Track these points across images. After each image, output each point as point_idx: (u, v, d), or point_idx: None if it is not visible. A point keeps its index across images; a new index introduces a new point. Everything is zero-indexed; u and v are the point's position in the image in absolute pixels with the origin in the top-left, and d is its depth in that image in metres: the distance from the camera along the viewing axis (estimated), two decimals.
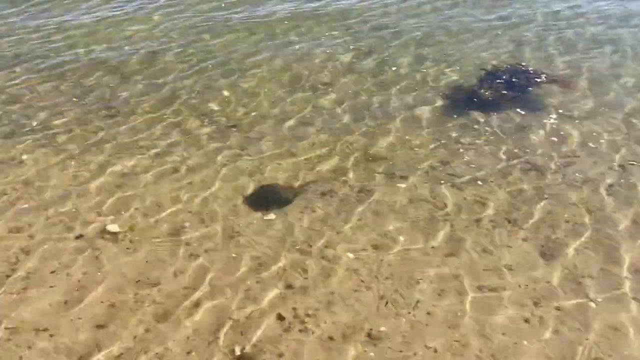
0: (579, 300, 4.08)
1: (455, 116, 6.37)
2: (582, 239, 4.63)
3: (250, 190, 5.30)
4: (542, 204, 5.03)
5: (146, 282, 4.30)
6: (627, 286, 4.18)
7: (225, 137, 6.15)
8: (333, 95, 6.91)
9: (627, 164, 5.52)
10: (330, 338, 3.88)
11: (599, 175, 5.36)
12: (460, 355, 3.72)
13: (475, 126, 6.21)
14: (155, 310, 4.06)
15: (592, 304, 4.04)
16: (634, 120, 6.17)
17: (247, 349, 3.81)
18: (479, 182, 5.34)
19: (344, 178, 5.47)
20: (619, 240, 4.60)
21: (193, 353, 3.78)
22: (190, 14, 9.37)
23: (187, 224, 4.88)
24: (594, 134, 5.97)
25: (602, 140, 5.87)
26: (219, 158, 5.79)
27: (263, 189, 5.31)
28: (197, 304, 4.12)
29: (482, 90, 6.60)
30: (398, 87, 7.03)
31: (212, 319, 4.03)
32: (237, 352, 3.78)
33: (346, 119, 6.45)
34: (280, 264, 4.49)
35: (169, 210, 5.06)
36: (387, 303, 4.10)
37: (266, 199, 5.16)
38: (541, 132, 6.05)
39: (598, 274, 4.29)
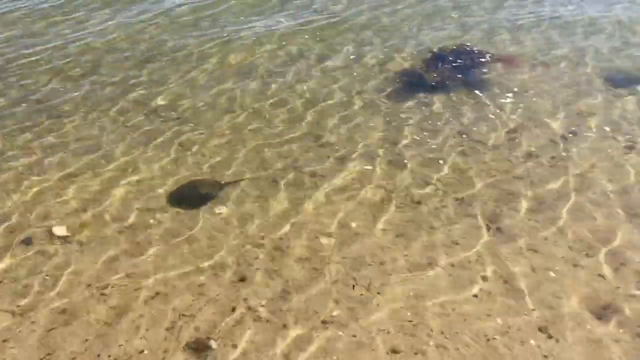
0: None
1: (403, 99, 6.43)
2: (523, 212, 4.75)
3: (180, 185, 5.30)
4: (488, 180, 5.13)
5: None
6: (570, 255, 4.33)
7: (169, 130, 6.08)
8: (280, 84, 6.88)
9: (567, 134, 5.67)
10: (284, 326, 3.90)
11: (541, 147, 5.50)
12: (412, 335, 3.79)
13: (423, 107, 6.28)
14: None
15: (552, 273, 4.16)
16: (570, 93, 6.33)
17: (201, 341, 3.80)
18: (427, 162, 5.41)
19: (295, 164, 5.48)
20: (561, 213, 4.74)
21: (145, 352, 3.76)
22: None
23: (134, 222, 4.85)
24: (537, 108, 6.11)
25: (545, 114, 6.01)
26: (163, 153, 5.74)
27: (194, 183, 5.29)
28: (151, 298, 4.11)
29: (429, 72, 6.68)
30: (346, 72, 7.05)
31: (165, 315, 4.00)
32: (191, 345, 3.78)
33: (294, 105, 6.45)
34: (232, 257, 4.48)
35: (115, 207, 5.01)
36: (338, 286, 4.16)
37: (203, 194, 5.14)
38: (487, 109, 6.16)
39: (540, 244, 4.42)
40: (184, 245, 4.61)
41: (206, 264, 4.43)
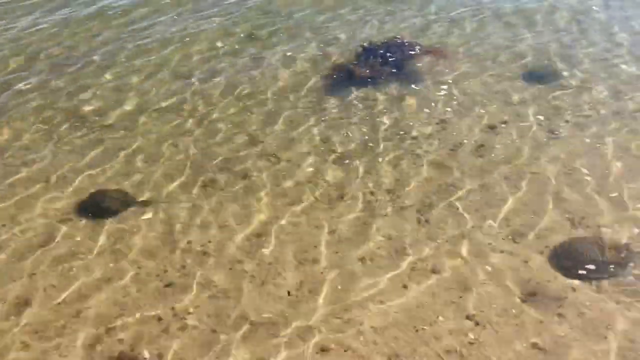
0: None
1: (335, 94, 6.40)
2: (455, 200, 4.80)
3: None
4: (421, 170, 5.16)
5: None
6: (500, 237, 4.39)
7: (96, 138, 5.87)
8: (211, 84, 6.75)
9: (497, 124, 5.76)
10: (213, 331, 3.80)
11: (470, 137, 5.57)
12: (341, 333, 3.76)
13: (355, 102, 6.26)
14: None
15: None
16: (500, 84, 6.44)
17: (126, 353, 3.66)
18: (359, 156, 5.40)
19: (228, 166, 5.37)
20: (494, 202, 4.81)
21: None
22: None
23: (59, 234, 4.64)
24: (466, 98, 6.19)
25: (474, 104, 6.09)
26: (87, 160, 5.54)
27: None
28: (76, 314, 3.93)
29: (360, 67, 6.67)
30: (277, 69, 6.97)
31: (90, 328, 3.83)
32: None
33: (224, 104, 6.33)
34: (159, 263, 4.34)
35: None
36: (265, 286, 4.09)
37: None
38: (417, 101, 6.20)
39: (469, 233, 4.47)
40: (105, 254, 4.45)
41: (131, 272, 4.28)
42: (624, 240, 4.23)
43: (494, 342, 3.60)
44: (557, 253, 4.18)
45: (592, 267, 4.03)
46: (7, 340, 3.79)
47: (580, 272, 4.01)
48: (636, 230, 4.34)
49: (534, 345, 3.57)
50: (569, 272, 4.03)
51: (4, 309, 4.01)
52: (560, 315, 3.74)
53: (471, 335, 3.66)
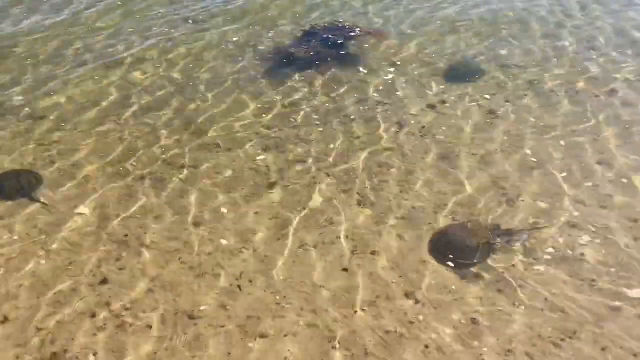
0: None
1: (276, 79, 6.30)
2: (393, 184, 4.81)
3: None
4: (362, 154, 5.14)
5: None
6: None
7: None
8: (151, 71, 6.54)
9: (437, 103, 5.80)
10: (149, 327, 3.69)
11: (411, 117, 5.59)
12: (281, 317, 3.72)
13: (296, 85, 6.19)
14: None
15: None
16: (439, 64, 6.48)
17: (59, 354, 3.52)
18: (300, 141, 5.34)
19: (164, 157, 5.21)
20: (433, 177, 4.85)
21: None
22: None
23: None
24: (406, 79, 6.20)
25: (414, 84, 6.11)
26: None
27: None
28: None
29: (301, 50, 6.61)
30: (215, 54, 6.81)
31: (18, 331, 3.66)
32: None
33: (164, 94, 6.14)
34: (93, 260, 4.19)
35: None
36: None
37: None
38: (356, 83, 6.17)
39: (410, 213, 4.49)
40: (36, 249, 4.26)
41: (66, 267, 4.12)
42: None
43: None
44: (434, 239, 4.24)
45: (460, 253, 4.07)
46: None
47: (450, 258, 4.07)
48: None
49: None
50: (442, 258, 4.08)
51: None
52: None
53: None
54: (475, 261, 4.00)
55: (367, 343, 3.51)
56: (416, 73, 6.32)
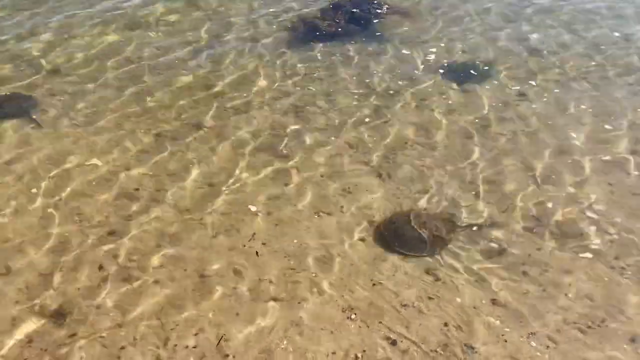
0: None
1: (301, 49, 6.12)
2: (414, 157, 4.65)
3: None
4: (388, 128, 4.97)
5: None
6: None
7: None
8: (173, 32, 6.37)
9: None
10: (156, 282, 3.54)
11: (434, 95, 5.42)
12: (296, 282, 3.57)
13: (318, 56, 6.01)
14: None
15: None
16: (458, 44, 6.30)
17: (63, 306, 3.37)
18: (321, 112, 5.17)
19: (182, 116, 5.06)
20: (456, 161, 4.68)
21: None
22: None
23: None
24: (432, 57, 6.02)
25: (442, 63, 5.94)
26: None
27: None
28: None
29: (326, 23, 6.41)
30: (237, 25, 6.60)
31: (24, 283, 3.51)
32: (52, 310, 3.34)
33: (185, 53, 5.97)
34: (103, 210, 4.04)
35: None
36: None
37: None
38: (380, 57, 5.99)
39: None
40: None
41: (75, 218, 3.97)
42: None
43: None
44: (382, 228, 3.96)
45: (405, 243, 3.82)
46: None
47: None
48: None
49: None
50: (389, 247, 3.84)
51: None
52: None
53: None
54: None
55: None
56: (442, 52, 6.13)
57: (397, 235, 3.83)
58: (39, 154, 4.54)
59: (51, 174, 4.34)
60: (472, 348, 3.20)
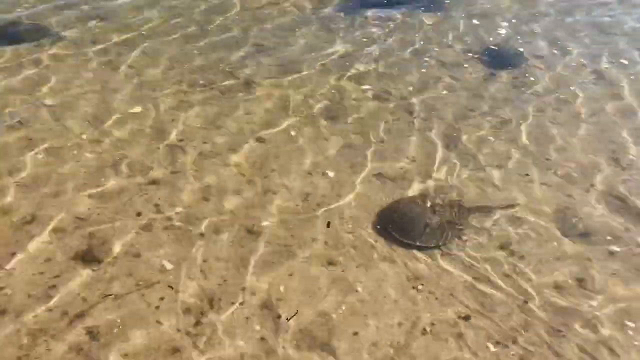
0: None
1: (356, 14, 5.76)
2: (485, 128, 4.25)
3: None
4: (449, 97, 4.59)
5: None
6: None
7: None
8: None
9: (531, 57, 5.18)
10: (201, 235, 3.19)
11: (499, 69, 5.00)
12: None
13: (376, 23, 5.65)
14: None
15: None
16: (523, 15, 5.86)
17: (100, 254, 3.04)
18: (380, 74, 4.81)
19: (230, 70, 4.74)
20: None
21: (20, 255, 2.97)
22: None
23: None
24: (485, 28, 5.62)
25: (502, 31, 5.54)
26: None
27: None
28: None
29: None
30: None
31: (63, 227, 3.20)
32: (83, 254, 3.02)
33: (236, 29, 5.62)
34: (145, 159, 3.72)
35: None
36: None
37: None
38: (443, 27, 5.61)
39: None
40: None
41: (111, 165, 3.66)
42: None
43: None
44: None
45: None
46: None
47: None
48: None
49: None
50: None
51: None
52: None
53: None
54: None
55: None
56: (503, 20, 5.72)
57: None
58: (87, 103, 4.24)
59: (100, 120, 4.05)
60: (560, 331, 2.79)
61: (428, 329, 2.76)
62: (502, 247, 3.24)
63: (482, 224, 3.39)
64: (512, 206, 3.53)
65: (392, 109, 4.40)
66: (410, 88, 4.66)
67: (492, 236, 3.30)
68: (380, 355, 2.62)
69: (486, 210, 3.48)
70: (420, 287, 2.97)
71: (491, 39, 5.48)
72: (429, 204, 3.44)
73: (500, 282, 3.02)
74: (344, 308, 2.83)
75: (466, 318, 2.82)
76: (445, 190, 3.62)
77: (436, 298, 2.92)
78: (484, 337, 2.74)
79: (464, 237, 3.28)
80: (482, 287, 2.99)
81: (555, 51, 5.32)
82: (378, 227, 3.30)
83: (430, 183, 3.69)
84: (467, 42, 5.40)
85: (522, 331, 2.77)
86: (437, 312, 2.84)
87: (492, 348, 2.71)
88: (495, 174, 3.80)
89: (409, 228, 3.25)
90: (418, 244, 3.18)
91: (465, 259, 3.15)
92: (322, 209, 3.41)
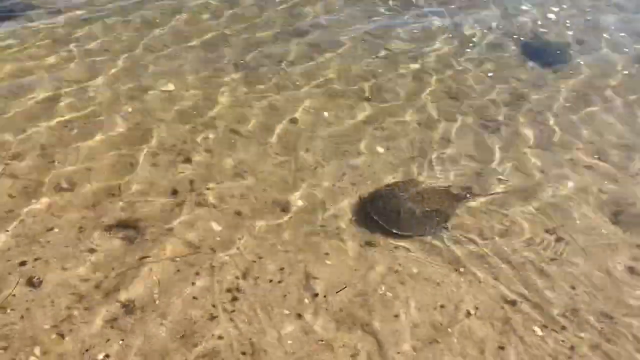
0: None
1: None
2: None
3: None
4: (486, 80, 4.48)
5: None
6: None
7: None
8: None
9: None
10: (237, 213, 3.12)
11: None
12: None
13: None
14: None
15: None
16: None
17: (133, 223, 2.98)
18: (413, 56, 4.72)
19: (261, 49, 4.65)
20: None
21: (56, 229, 2.92)
22: None
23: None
24: None
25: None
26: None
27: None
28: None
29: None
30: None
31: (88, 196, 3.15)
32: (117, 225, 2.97)
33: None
34: (177, 136, 3.65)
35: None
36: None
37: None
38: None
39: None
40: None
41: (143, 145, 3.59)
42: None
43: None
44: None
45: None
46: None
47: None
48: None
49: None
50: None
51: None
52: None
53: None
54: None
55: None
56: None
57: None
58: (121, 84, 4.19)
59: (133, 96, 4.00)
60: (611, 318, 2.66)
61: (473, 312, 2.66)
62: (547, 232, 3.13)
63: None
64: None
65: None
66: None
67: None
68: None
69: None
70: (462, 270, 2.87)
71: None
72: None
73: (545, 267, 2.91)
74: (383, 289, 2.75)
75: (513, 303, 2.72)
76: None
77: (480, 282, 2.81)
78: (530, 321, 2.64)
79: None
80: (528, 271, 2.88)
81: None
82: None
83: None
84: None
85: (571, 317, 2.66)
86: (481, 295, 2.74)
87: (539, 332, 2.60)
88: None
89: None
90: None
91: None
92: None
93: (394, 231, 3.00)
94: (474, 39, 5.04)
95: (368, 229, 3.06)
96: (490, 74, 4.56)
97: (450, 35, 5.05)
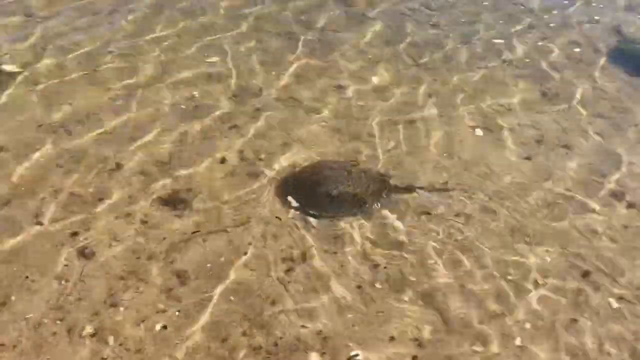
0: None
1: None
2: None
3: None
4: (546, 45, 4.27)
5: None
6: None
7: None
8: None
9: None
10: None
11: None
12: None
13: None
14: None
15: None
16: None
17: (181, 193, 2.91)
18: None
19: (302, 17, 4.51)
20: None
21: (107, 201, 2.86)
22: None
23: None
24: None
25: None
26: None
27: None
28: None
29: None
30: None
31: (143, 163, 3.09)
32: (166, 198, 2.89)
33: None
34: (224, 106, 3.55)
35: None
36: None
37: None
38: None
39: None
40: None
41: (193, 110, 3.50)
42: None
43: None
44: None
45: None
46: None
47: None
48: None
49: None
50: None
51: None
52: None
53: None
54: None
55: None
56: None
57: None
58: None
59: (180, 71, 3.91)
60: None
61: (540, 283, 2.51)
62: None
63: None
64: None
65: None
66: None
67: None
68: None
69: None
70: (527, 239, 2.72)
71: None
72: None
73: (618, 236, 2.73)
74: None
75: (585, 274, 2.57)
76: None
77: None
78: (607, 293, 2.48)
79: None
80: (597, 241, 2.71)
81: None
82: None
83: None
84: None
85: None
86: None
87: (614, 304, 2.44)
88: None
89: None
90: None
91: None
92: None
93: None
94: None
95: None
96: None
97: None
